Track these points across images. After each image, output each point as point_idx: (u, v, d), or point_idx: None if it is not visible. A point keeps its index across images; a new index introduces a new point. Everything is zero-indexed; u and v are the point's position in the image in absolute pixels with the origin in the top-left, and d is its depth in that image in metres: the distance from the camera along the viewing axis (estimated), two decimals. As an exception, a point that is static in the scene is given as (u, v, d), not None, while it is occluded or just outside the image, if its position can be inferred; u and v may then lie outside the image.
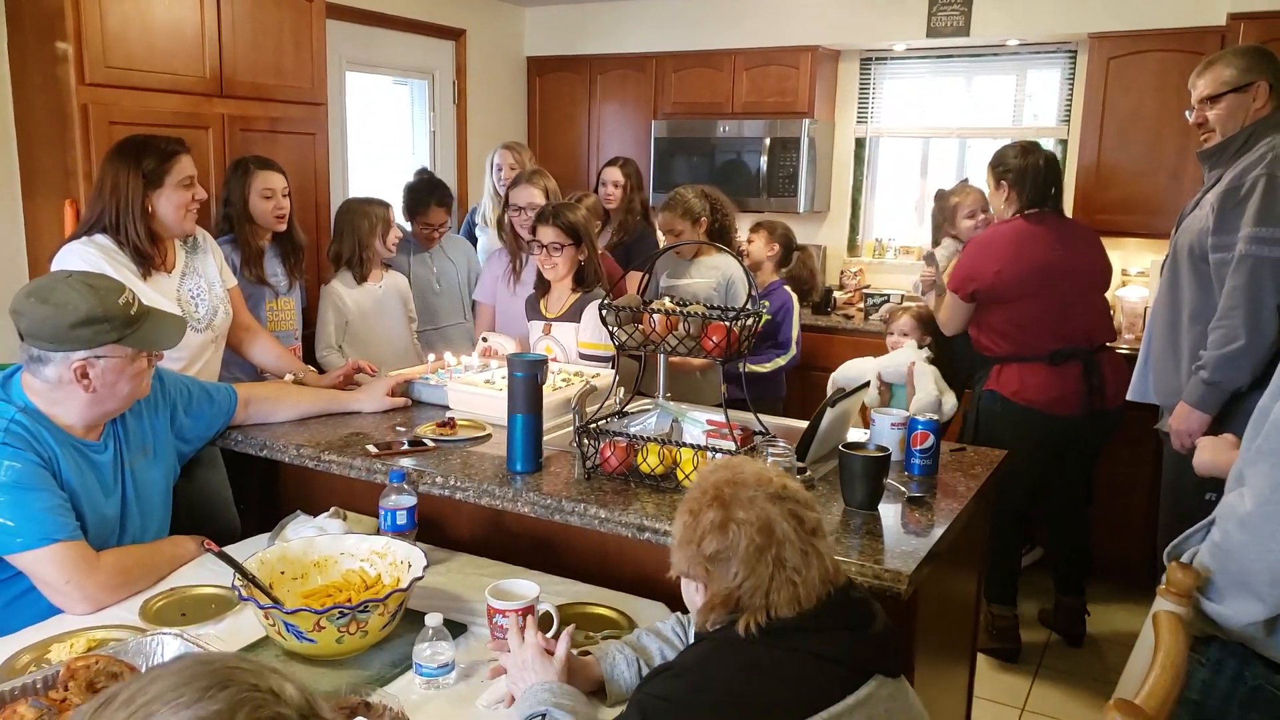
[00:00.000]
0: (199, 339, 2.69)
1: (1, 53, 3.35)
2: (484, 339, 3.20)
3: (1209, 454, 1.81)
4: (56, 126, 3.26)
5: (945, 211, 3.83)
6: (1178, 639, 1.39)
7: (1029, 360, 3.21)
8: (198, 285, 2.72)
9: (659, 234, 4.16)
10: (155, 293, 2.55)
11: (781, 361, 3.84)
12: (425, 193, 3.94)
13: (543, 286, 3.20)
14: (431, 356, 3.06)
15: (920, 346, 3.44)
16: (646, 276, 2.38)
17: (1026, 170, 3.24)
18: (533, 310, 3.22)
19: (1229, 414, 2.59)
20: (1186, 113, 2.87)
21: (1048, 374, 3.19)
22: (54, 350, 1.91)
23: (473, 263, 4.09)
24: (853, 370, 3.42)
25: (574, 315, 3.10)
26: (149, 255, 2.58)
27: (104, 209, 2.54)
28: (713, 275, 3.63)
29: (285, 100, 3.83)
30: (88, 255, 2.49)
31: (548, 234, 3.03)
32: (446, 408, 2.69)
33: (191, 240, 2.77)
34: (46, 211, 3.36)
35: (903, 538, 1.91)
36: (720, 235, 3.80)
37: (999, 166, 3.32)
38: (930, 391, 3.19)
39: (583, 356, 3.04)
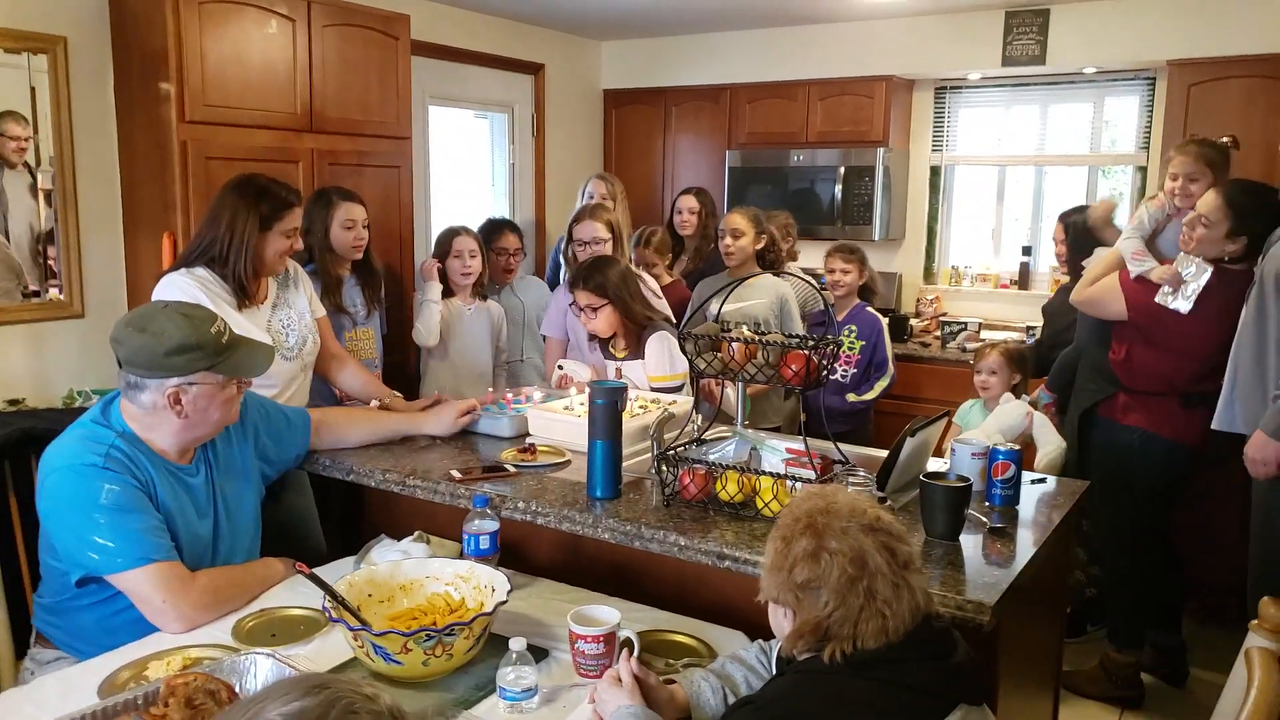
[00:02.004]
0: (289, 367, 2.78)
1: (108, 94, 3.53)
2: (559, 366, 3.25)
3: None
4: (157, 163, 3.42)
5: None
6: (1272, 675, 1.35)
7: (1162, 397, 3.07)
8: (288, 316, 2.82)
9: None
10: (249, 323, 2.65)
11: (884, 383, 3.89)
12: (497, 223, 4.11)
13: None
14: (490, 389, 3.13)
15: (1012, 385, 3.34)
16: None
17: (1270, 216, 2.84)
18: (604, 351, 3.25)
19: None
20: None
21: (1181, 411, 3.05)
22: (149, 377, 1.98)
23: (541, 302, 4.16)
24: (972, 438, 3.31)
25: (639, 352, 3.13)
26: (249, 289, 2.68)
27: (216, 240, 2.63)
28: (766, 296, 3.61)
29: (371, 134, 3.96)
30: (185, 287, 2.59)
31: (582, 297, 3.08)
32: (501, 438, 2.72)
33: (285, 274, 2.87)
34: (146, 245, 3.52)
35: (984, 569, 1.88)
36: (767, 252, 3.79)
37: (1246, 214, 2.86)
38: (1058, 444, 3.08)
39: (654, 389, 3.05)
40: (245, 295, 2.67)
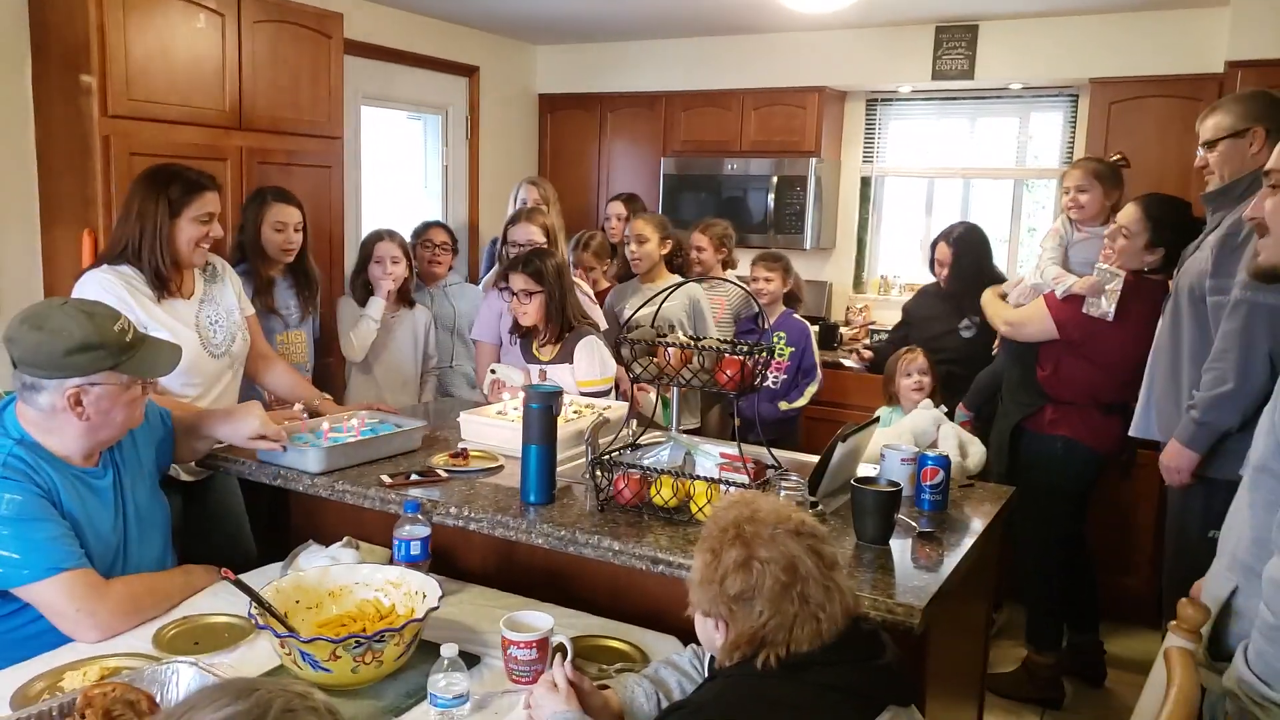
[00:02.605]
0: (216, 365, 2.70)
1: (26, 84, 3.41)
2: (492, 371, 3.22)
3: None
4: (78, 156, 3.31)
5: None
6: (1189, 674, 1.39)
7: (1082, 406, 3.22)
8: (215, 312, 2.73)
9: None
10: (172, 318, 2.58)
11: (813, 389, 3.97)
12: (428, 222, 4.11)
13: (524, 330, 3.20)
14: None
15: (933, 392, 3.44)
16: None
17: (1186, 229, 2.95)
18: (528, 354, 3.22)
19: (1217, 452, 2.63)
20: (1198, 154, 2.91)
21: (1100, 418, 3.21)
22: (48, 378, 1.90)
23: (475, 309, 4.13)
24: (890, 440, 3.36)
25: (565, 356, 3.12)
26: (167, 279, 2.59)
27: (128, 233, 2.56)
28: (677, 299, 3.66)
29: (302, 134, 3.90)
30: (105, 282, 2.51)
31: (517, 281, 3.07)
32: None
33: (211, 268, 2.79)
34: (65, 241, 3.41)
35: (914, 572, 1.91)
36: (675, 257, 3.96)
37: (1164, 225, 2.99)
38: (979, 444, 3.14)
39: (583, 394, 3.04)
40: (164, 287, 2.58)
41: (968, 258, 3.84)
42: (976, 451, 2.99)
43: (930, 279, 4.12)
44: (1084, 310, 3.10)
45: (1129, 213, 3.06)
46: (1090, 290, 3.08)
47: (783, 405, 3.96)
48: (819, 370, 4.02)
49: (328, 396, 3.00)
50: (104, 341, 1.92)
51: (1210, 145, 2.77)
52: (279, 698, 0.99)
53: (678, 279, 3.75)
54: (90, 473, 2.02)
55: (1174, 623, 1.53)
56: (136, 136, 3.31)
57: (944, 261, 3.90)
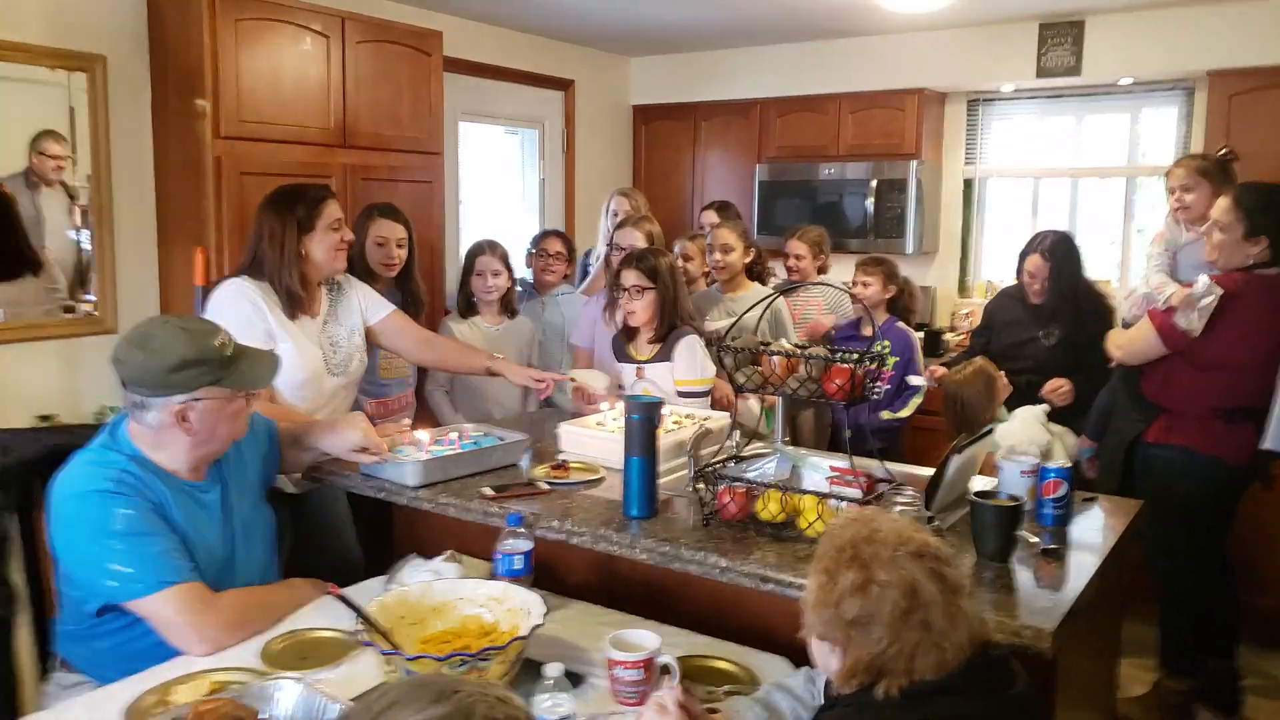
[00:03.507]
0: (333, 383, 2.75)
1: (145, 110, 3.55)
2: (571, 379, 3.16)
3: None
4: (192, 177, 3.43)
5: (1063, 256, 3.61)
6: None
7: (1203, 416, 3.01)
8: (337, 332, 2.78)
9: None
10: (301, 334, 2.64)
11: (918, 400, 3.82)
12: (546, 231, 4.16)
13: (628, 331, 3.19)
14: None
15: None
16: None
17: None
18: (621, 354, 3.21)
19: None
20: None
21: (1223, 428, 2.99)
22: (154, 396, 1.93)
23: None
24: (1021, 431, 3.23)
25: (665, 355, 3.08)
26: (300, 298, 2.66)
27: (260, 256, 2.63)
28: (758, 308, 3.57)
29: (403, 150, 3.97)
30: (245, 290, 2.60)
31: (629, 277, 3.06)
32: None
33: (337, 286, 2.84)
34: (179, 259, 3.53)
35: (1039, 592, 1.81)
36: (755, 266, 3.91)
37: (1258, 212, 2.88)
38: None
39: (681, 394, 3.01)
40: (297, 305, 2.65)
41: (1066, 270, 3.58)
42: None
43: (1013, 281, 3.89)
44: (1173, 321, 2.91)
45: (1220, 205, 2.94)
46: (1184, 304, 2.89)
47: (885, 415, 3.84)
48: (925, 381, 3.87)
49: (501, 356, 3.01)
50: (204, 357, 1.95)
51: None
52: (481, 703, 0.97)
53: (758, 287, 3.72)
54: (198, 486, 2.06)
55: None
56: (247, 156, 3.41)
57: (1036, 273, 3.63)
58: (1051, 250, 3.59)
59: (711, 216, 4.43)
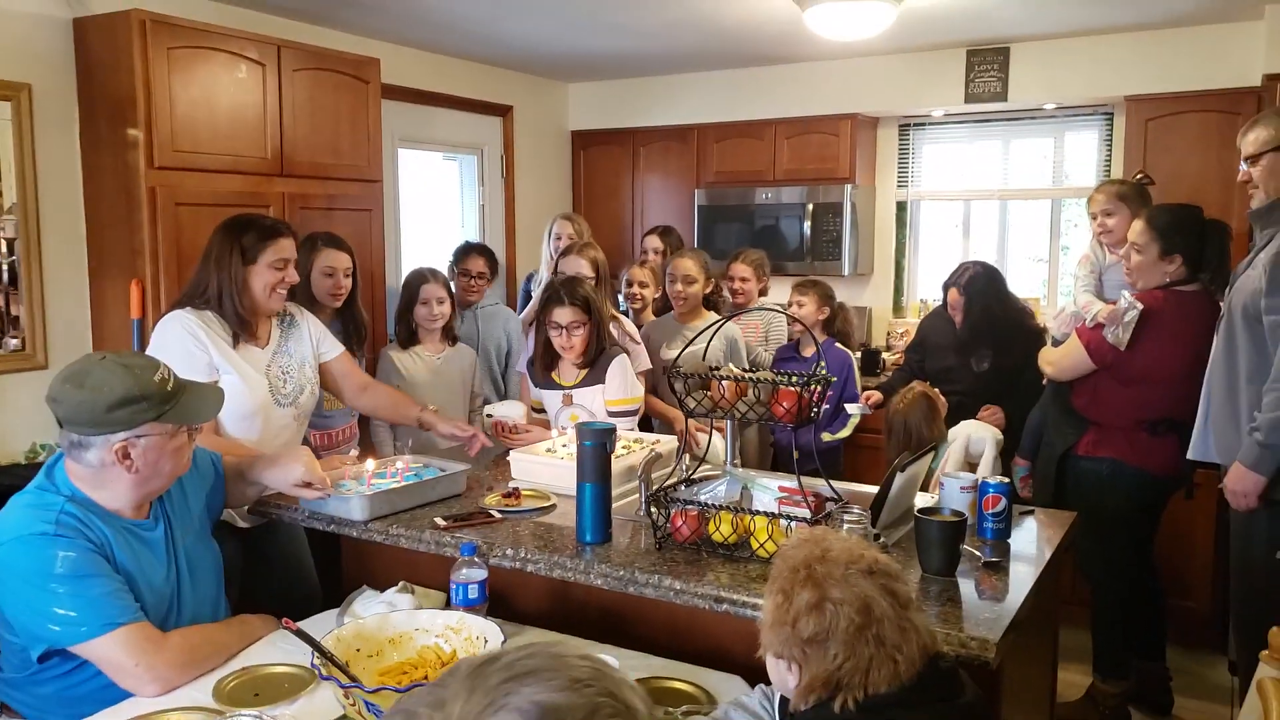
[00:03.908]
0: (281, 414, 2.71)
1: (74, 139, 3.47)
2: (488, 415, 3.12)
3: None
4: (124, 208, 3.36)
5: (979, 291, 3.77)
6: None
7: (1126, 428, 3.13)
8: (288, 363, 2.75)
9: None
10: (245, 363, 2.61)
11: (855, 420, 3.88)
12: (468, 245, 4.17)
13: (548, 357, 3.13)
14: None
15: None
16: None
17: (1207, 240, 3.01)
18: (544, 380, 3.16)
19: None
20: (1240, 169, 2.87)
21: (1148, 440, 3.12)
22: (93, 434, 1.89)
23: (510, 333, 4.13)
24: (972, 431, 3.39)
25: (597, 378, 3.08)
26: (248, 324, 2.64)
27: (205, 279, 2.61)
28: (716, 339, 3.61)
29: (342, 178, 3.94)
30: (187, 322, 2.56)
31: (565, 314, 2.99)
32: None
33: (289, 318, 2.82)
34: (111, 291, 3.45)
35: (983, 604, 1.87)
36: (713, 295, 3.97)
37: (1171, 232, 3.01)
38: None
39: (612, 414, 3.02)
40: (243, 332, 2.62)
41: (979, 304, 3.74)
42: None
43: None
44: (1103, 336, 3.06)
45: (1135, 227, 3.09)
46: (1110, 319, 3.05)
47: (825, 436, 3.92)
48: (861, 401, 3.96)
49: (435, 408, 2.98)
50: (145, 393, 1.91)
51: (1253, 160, 2.73)
52: (604, 709, 0.82)
53: (714, 316, 3.76)
54: (141, 525, 2.02)
55: (1266, 653, 1.48)
56: (181, 187, 3.36)
57: (955, 306, 3.82)
58: (968, 285, 3.77)
59: (655, 242, 4.48)
